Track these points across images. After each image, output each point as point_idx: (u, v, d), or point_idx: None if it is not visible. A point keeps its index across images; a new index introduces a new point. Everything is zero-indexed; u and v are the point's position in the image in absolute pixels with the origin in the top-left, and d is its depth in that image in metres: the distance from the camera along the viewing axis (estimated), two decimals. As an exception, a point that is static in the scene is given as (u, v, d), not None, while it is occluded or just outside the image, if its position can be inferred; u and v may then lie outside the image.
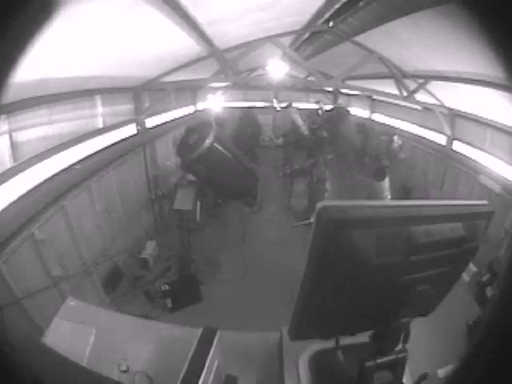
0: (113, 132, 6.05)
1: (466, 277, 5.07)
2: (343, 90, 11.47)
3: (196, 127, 5.54)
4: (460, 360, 0.69)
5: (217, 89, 11.02)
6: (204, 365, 1.70)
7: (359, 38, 5.95)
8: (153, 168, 7.57)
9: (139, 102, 6.88)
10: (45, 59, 2.93)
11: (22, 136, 3.83)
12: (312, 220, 0.98)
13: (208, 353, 1.77)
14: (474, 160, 6.39)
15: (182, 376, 1.64)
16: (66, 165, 4.68)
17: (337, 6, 4.79)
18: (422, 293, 1.26)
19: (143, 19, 3.45)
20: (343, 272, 1.06)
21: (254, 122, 12.96)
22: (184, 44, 4.94)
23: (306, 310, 1.14)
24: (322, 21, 5.64)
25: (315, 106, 11.38)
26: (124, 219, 6.21)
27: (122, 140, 6.37)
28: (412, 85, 6.32)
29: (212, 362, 1.77)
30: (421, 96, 6.41)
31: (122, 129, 6.39)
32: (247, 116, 12.80)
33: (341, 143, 9.15)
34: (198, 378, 1.63)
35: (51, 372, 1.58)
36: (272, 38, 5.86)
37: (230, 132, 10.57)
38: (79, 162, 4.97)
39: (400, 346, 1.35)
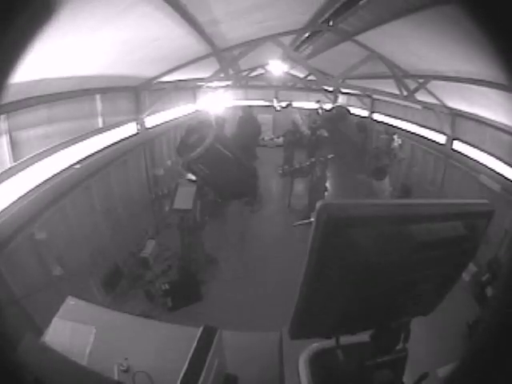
0: (113, 131, 6.05)
1: (466, 277, 5.08)
2: (343, 90, 11.45)
3: (196, 127, 5.53)
4: (460, 360, 0.69)
5: (217, 88, 11.01)
6: (204, 364, 1.70)
7: (359, 38, 5.94)
8: (153, 167, 7.57)
9: (139, 102, 6.88)
10: (45, 59, 2.93)
11: (21, 135, 3.83)
12: (312, 219, 0.98)
13: (208, 352, 1.77)
14: (474, 159, 6.38)
15: (182, 375, 1.64)
16: (65, 164, 4.68)
17: (337, 6, 4.78)
18: (422, 292, 1.26)
19: (143, 18, 3.45)
20: (343, 271, 1.06)
21: (254, 122, 12.94)
22: (184, 43, 4.94)
23: (306, 309, 1.14)
24: (322, 20, 5.64)
25: (315, 106, 11.40)
26: (124, 219, 6.20)
27: (122, 139, 6.37)
28: (412, 84, 6.31)
29: (212, 361, 1.77)
30: (421, 95, 6.40)
31: (121, 128, 6.39)
32: (247, 115, 12.78)
33: (341, 143, 9.16)
34: (198, 378, 1.63)
35: (51, 372, 1.58)
36: (272, 37, 5.86)
37: (230, 131, 10.57)
38: (79, 161, 4.97)
39: (400, 346, 1.35)
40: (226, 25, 4.81)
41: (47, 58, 3.00)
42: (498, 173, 5.62)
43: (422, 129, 8.47)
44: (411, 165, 8.83)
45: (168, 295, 5.07)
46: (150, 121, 7.46)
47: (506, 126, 5.30)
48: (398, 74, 6.38)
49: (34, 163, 3.98)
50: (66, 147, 4.63)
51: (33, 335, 1.96)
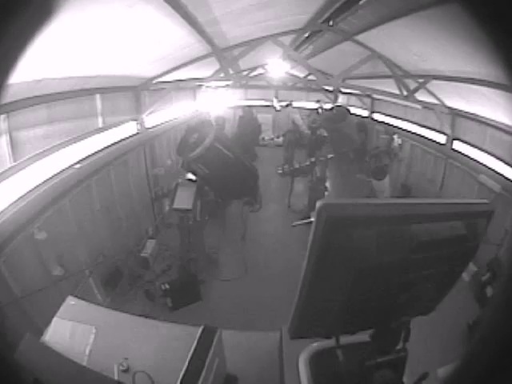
0: (113, 131, 6.05)
1: (466, 277, 5.08)
2: (343, 90, 11.45)
3: (196, 126, 5.52)
4: (460, 360, 0.69)
5: (217, 88, 11.01)
6: (204, 364, 1.70)
7: (359, 37, 5.94)
8: (153, 167, 7.57)
9: (139, 102, 6.88)
10: (45, 59, 2.93)
11: (21, 135, 3.83)
12: (312, 219, 0.97)
13: (208, 352, 1.77)
14: (474, 159, 6.38)
15: (182, 375, 1.64)
16: (65, 164, 4.68)
17: (337, 6, 4.78)
18: (423, 292, 1.26)
19: (143, 18, 3.45)
20: (343, 270, 1.06)
21: (254, 121, 12.96)
22: (184, 43, 4.94)
23: (306, 308, 1.14)
24: (322, 20, 5.64)
25: (315, 106, 11.41)
26: (124, 218, 6.20)
27: (122, 139, 6.37)
28: (412, 84, 6.31)
29: (212, 361, 1.77)
30: (421, 95, 6.41)
31: (122, 128, 6.39)
32: (247, 115, 12.80)
33: (341, 142, 9.16)
34: (198, 377, 1.63)
35: (51, 372, 1.58)
36: (272, 37, 5.86)
37: (230, 131, 10.58)
38: (79, 161, 4.97)
39: (400, 346, 1.35)
40: (226, 24, 4.81)
41: (47, 58, 3.00)
42: (498, 173, 5.62)
43: (422, 129, 8.47)
44: (411, 165, 8.83)
45: (168, 295, 5.07)
46: (150, 121, 7.46)
47: (506, 125, 5.30)
48: (398, 74, 6.38)
49: (33, 163, 3.98)
50: (66, 147, 4.63)
51: (33, 335, 1.96)
